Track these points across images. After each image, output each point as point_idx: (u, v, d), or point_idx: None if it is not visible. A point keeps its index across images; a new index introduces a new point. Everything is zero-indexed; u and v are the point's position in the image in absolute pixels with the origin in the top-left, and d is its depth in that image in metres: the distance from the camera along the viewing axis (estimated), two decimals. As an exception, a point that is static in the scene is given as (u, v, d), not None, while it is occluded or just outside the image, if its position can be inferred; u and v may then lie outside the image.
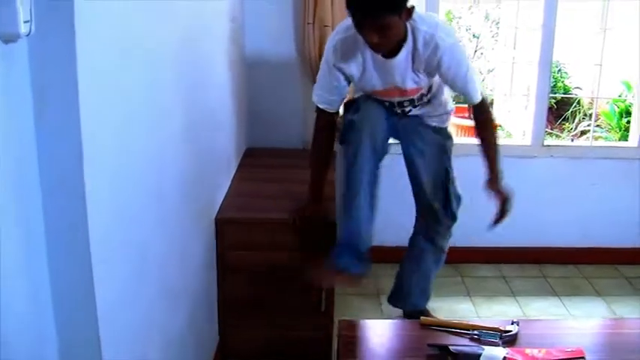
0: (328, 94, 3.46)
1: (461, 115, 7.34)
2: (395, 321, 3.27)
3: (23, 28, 1.44)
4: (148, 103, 2.23)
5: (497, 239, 4.82)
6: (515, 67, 6.11)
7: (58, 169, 1.64)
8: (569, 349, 2.63)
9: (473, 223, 4.82)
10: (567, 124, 8.28)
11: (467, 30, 7.87)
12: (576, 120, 8.13)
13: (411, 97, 3.50)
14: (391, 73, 3.31)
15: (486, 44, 7.80)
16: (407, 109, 3.61)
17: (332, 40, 3.34)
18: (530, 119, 4.98)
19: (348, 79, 3.39)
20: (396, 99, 3.50)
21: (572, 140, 6.96)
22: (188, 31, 2.89)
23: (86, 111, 1.63)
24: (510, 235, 4.89)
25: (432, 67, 3.30)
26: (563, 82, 8.80)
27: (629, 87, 7.36)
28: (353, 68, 3.31)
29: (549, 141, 5.27)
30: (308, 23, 4.44)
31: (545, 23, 4.79)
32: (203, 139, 3.23)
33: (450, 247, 4.77)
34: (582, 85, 8.86)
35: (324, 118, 3.57)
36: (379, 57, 3.24)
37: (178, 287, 2.76)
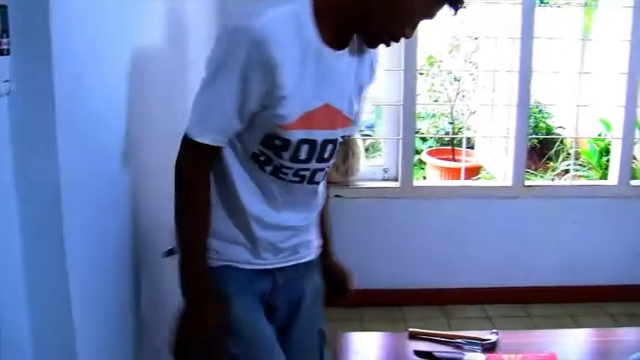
0: (224, 118, 1.98)
1: (444, 157, 7.45)
2: (380, 333, 3.35)
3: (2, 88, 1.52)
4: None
5: (482, 280, 4.91)
6: (494, 109, 6.18)
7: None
8: (543, 354, 2.81)
9: (458, 264, 4.92)
10: (552, 163, 8.35)
11: (448, 74, 7.95)
12: (560, 159, 8.19)
13: (333, 147, 2.17)
14: (329, 80, 2.05)
15: (467, 87, 7.88)
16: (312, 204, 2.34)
17: (253, 26, 1.88)
18: (511, 160, 5.05)
19: (263, 99, 1.96)
20: (316, 155, 2.12)
21: (553, 180, 7.01)
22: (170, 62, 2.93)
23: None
24: (495, 275, 4.97)
25: (365, 83, 2.26)
26: (545, 122, 8.88)
27: (607, 125, 7.44)
28: (290, 72, 1.92)
29: (530, 181, 5.35)
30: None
31: (522, 65, 4.89)
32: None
33: (436, 289, 4.85)
34: (565, 124, 8.95)
35: (206, 159, 2.07)
36: (326, 52, 2.01)
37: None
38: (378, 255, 4.91)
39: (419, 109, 8.63)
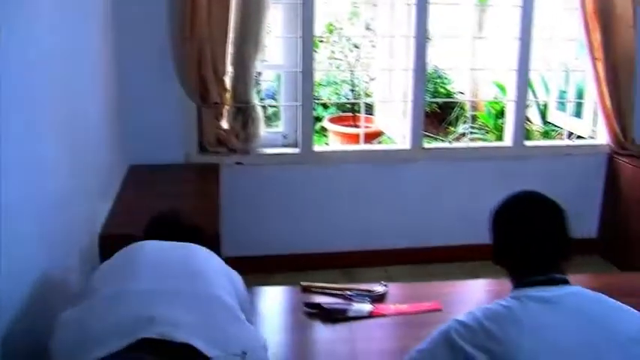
0: None
1: (346, 123, 7.53)
2: (273, 287, 3.37)
3: None
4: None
5: (384, 242, 5.00)
6: (393, 75, 6.25)
7: None
8: (428, 303, 2.96)
9: (360, 227, 4.99)
10: (452, 127, 8.50)
11: (347, 40, 8.02)
12: (459, 123, 8.36)
13: None
14: None
15: (366, 54, 7.97)
16: None
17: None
18: (409, 124, 5.14)
19: None
20: None
21: (451, 143, 7.14)
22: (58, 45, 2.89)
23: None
24: (397, 236, 5.06)
25: None
26: (444, 87, 9.03)
27: (502, 89, 7.61)
28: None
29: (429, 144, 5.44)
30: (184, 38, 4.49)
31: (418, 30, 4.98)
32: (80, 155, 3.23)
33: (339, 252, 4.92)
34: (464, 89, 9.11)
35: None
36: None
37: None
38: (280, 221, 4.96)
39: (320, 76, 8.71)
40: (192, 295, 2.16)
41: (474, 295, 3.25)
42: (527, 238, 2.10)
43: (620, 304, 1.97)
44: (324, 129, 8.20)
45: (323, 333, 2.82)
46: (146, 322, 1.96)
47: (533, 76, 7.47)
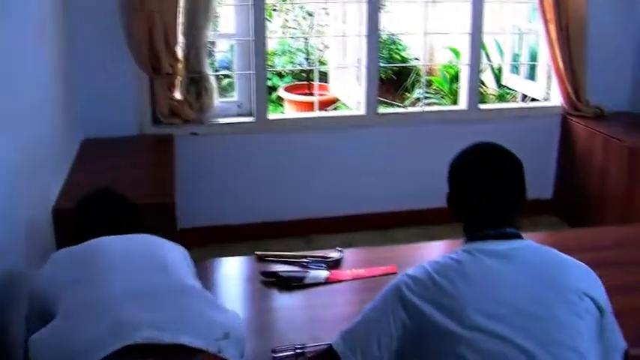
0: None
1: (302, 92, 7.50)
2: (229, 258, 3.34)
3: None
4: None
5: (342, 208, 5.01)
6: (347, 41, 6.24)
7: None
8: (384, 267, 2.99)
9: (317, 194, 4.99)
10: (408, 94, 8.51)
11: (301, 8, 7.98)
12: (415, 89, 8.37)
13: None
14: None
15: (320, 21, 7.94)
16: None
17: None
18: (363, 90, 5.13)
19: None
20: None
21: (406, 108, 7.12)
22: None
23: None
24: (355, 202, 5.08)
25: None
26: (399, 53, 9.03)
27: (456, 53, 7.62)
28: None
29: (383, 110, 5.44)
30: (135, 9, 4.43)
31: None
32: (26, 129, 3.17)
33: (298, 220, 4.92)
34: (420, 56, 9.11)
35: None
36: None
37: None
38: (237, 190, 4.94)
39: (274, 45, 8.66)
40: (168, 290, 2.15)
41: (429, 257, 3.15)
42: (480, 189, 2.06)
43: (570, 258, 1.99)
44: (280, 98, 8.17)
45: (280, 301, 2.84)
46: (130, 327, 1.94)
47: (487, 40, 7.50)
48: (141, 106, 4.70)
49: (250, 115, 5.02)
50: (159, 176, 3.99)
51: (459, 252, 1.98)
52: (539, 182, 5.47)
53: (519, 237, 2.02)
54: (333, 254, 3.09)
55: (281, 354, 2.34)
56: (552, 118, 5.59)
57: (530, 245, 2.00)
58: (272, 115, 5.23)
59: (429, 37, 5.40)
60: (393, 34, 8.59)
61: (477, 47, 5.29)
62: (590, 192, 5.14)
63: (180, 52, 4.66)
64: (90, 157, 4.28)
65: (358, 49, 5.27)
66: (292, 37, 8.48)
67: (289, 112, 7.68)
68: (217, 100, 4.87)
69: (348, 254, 3.13)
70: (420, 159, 5.17)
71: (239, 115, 5.07)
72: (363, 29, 5.04)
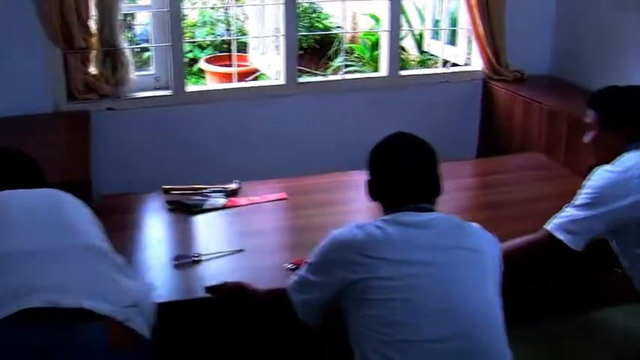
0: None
1: (224, 63, 7.39)
2: (141, 194, 3.64)
3: None
4: None
5: (265, 177, 4.92)
6: (265, 11, 6.17)
7: None
8: (275, 194, 3.52)
9: (239, 164, 4.91)
10: (332, 62, 8.46)
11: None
12: (337, 57, 8.32)
13: None
14: None
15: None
16: None
17: None
18: (282, 59, 5.07)
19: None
20: None
21: (325, 76, 7.02)
22: None
23: None
24: (277, 171, 5.00)
25: None
26: (322, 22, 8.95)
27: (377, 20, 7.60)
28: None
29: (303, 79, 5.38)
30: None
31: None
32: None
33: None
34: (342, 23, 9.07)
35: None
36: None
37: None
38: (157, 164, 4.84)
39: (195, 16, 8.53)
40: (71, 249, 2.07)
41: (315, 186, 3.68)
42: (398, 179, 2.30)
43: (475, 226, 2.31)
44: (202, 70, 8.05)
45: (184, 223, 3.27)
46: (28, 290, 1.86)
47: (408, 6, 7.50)
48: (55, 83, 4.56)
49: (168, 88, 4.92)
50: (74, 153, 3.91)
51: (378, 221, 2.20)
52: (463, 144, 5.53)
53: (432, 210, 2.28)
54: (232, 185, 3.55)
55: (180, 260, 2.85)
56: (473, 82, 5.62)
57: (441, 215, 2.27)
58: (190, 88, 5.11)
59: (351, 4, 5.34)
60: (313, 2, 8.51)
61: (396, 13, 5.26)
62: (512, 154, 5.16)
63: (93, 25, 4.53)
64: (2, 136, 4.14)
65: (276, 18, 5.19)
66: (212, 8, 8.36)
67: (211, 84, 7.57)
68: (134, 74, 4.76)
69: (246, 186, 3.59)
70: (341, 126, 5.14)
71: (157, 88, 4.96)
72: (281, -3, 4.96)
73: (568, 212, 2.70)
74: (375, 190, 2.37)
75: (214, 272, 2.82)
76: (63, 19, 4.39)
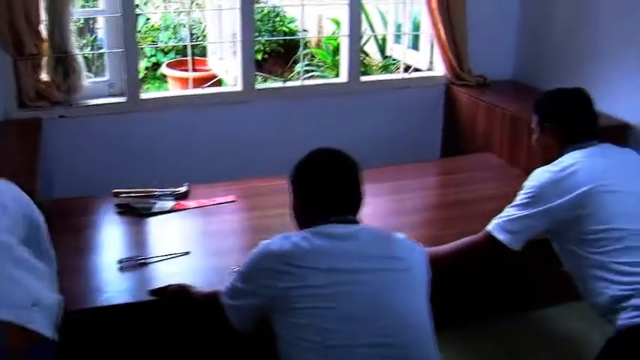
0: None
1: (186, 68, 7.24)
2: (91, 198, 3.73)
3: None
4: None
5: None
6: (223, 14, 6.07)
7: None
8: (224, 197, 3.67)
9: (194, 172, 4.81)
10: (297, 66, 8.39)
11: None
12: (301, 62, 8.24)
13: None
14: None
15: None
16: None
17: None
18: (239, 65, 4.97)
19: None
20: None
21: (284, 82, 6.85)
22: None
23: None
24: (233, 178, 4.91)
25: None
26: (287, 26, 8.87)
27: (339, 24, 7.53)
28: None
29: (261, 85, 5.28)
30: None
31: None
32: None
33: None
34: (308, 27, 9.00)
35: None
36: None
37: None
38: (111, 173, 4.69)
39: (157, 20, 8.42)
40: None
41: (264, 189, 3.77)
42: (322, 193, 2.35)
43: (401, 236, 2.37)
44: (165, 75, 7.94)
45: (132, 225, 3.39)
46: None
47: (371, 10, 7.44)
48: (5, 90, 4.42)
49: (122, 95, 4.78)
50: (21, 162, 3.78)
51: (303, 234, 2.25)
52: (426, 150, 5.49)
53: (357, 222, 2.36)
54: (181, 188, 3.70)
55: (126, 263, 2.96)
56: (436, 87, 5.57)
57: (365, 227, 2.35)
58: (145, 95, 4.98)
59: (317, 8, 5.26)
60: (276, 6, 8.44)
61: (355, 18, 5.18)
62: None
63: (44, 30, 4.40)
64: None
65: (233, 22, 5.09)
66: (174, 12, 8.26)
67: (173, 89, 7.47)
68: (87, 81, 4.63)
69: (195, 189, 3.75)
70: (299, 133, 5.02)
71: (111, 95, 4.82)
72: (237, 1, 4.85)
73: (507, 212, 2.80)
74: (299, 207, 2.42)
75: (160, 275, 2.89)
76: (12, 25, 4.26)
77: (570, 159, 2.76)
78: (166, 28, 8.61)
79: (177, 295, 2.66)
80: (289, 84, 5.36)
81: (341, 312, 2.10)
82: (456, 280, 2.93)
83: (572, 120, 2.91)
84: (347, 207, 2.35)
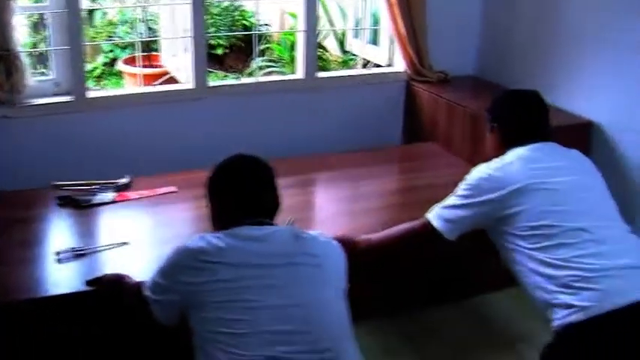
0: None
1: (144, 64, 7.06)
2: (32, 190, 3.71)
3: None
4: None
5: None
6: (177, 10, 5.89)
7: None
8: (165, 188, 3.69)
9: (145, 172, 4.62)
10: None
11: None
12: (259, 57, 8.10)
13: None
14: None
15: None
16: None
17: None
18: (191, 61, 4.79)
19: None
20: None
21: (238, 79, 6.64)
22: None
23: None
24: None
25: None
26: (248, 19, 8.71)
27: (296, 18, 7.38)
28: None
29: (215, 81, 5.10)
30: None
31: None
32: None
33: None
34: (268, 21, 8.85)
35: None
36: None
37: None
38: (57, 174, 4.47)
39: (113, 14, 8.23)
40: None
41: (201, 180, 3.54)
42: (239, 197, 2.43)
43: (314, 234, 2.44)
44: (121, 72, 7.74)
45: (73, 217, 3.38)
46: None
47: (330, 4, 7.30)
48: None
49: (69, 94, 4.59)
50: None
51: (219, 235, 2.31)
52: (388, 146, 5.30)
53: (272, 225, 2.43)
54: (122, 180, 3.71)
55: (63, 254, 2.95)
56: (396, 84, 5.45)
57: (279, 228, 2.42)
58: (92, 93, 4.77)
59: (277, 1, 5.09)
60: (234, 1, 8.27)
61: (312, 13, 5.02)
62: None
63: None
64: None
65: (185, 17, 4.91)
66: (122, 7, 8.07)
67: (128, 85, 7.28)
68: (31, 80, 4.43)
69: (137, 180, 3.76)
70: (255, 131, 4.86)
71: (56, 94, 4.60)
72: (189, -3, 4.66)
73: (446, 202, 2.92)
74: (215, 210, 2.51)
75: (98, 265, 2.92)
76: (-51, 24, 4.06)
77: (510, 156, 2.86)
78: (124, 22, 8.39)
79: (112, 284, 2.71)
80: (243, 80, 5.18)
81: (249, 303, 2.18)
82: (399, 269, 3.13)
83: (519, 122, 3.00)
84: (262, 210, 2.43)
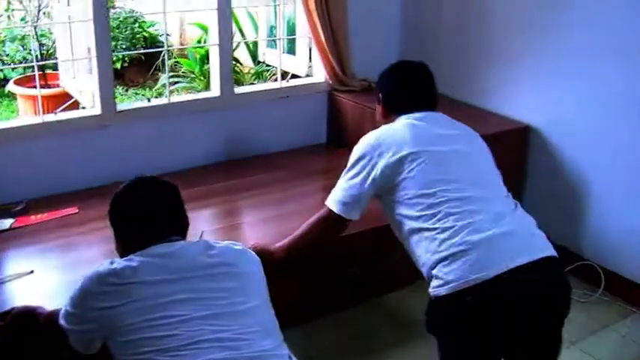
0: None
1: (31, 85, 6.51)
2: None
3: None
4: None
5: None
6: (74, 27, 5.39)
7: None
8: (66, 209, 3.66)
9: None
10: (161, 74, 7.80)
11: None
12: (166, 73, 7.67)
13: None
14: None
15: (49, 3, 6.96)
16: None
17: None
18: (96, 85, 4.27)
19: None
20: None
21: (150, 100, 6.05)
22: None
23: None
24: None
25: None
26: (148, 31, 8.26)
27: (205, 29, 7.02)
28: None
29: (124, 105, 4.58)
30: None
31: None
32: None
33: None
34: (170, 31, 8.48)
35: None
36: None
37: None
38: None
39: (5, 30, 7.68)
40: None
41: (107, 198, 3.03)
42: (142, 225, 2.38)
43: (225, 245, 2.43)
44: (13, 93, 7.14)
45: None
46: None
47: (239, 13, 6.95)
48: None
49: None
50: None
51: (129, 256, 2.28)
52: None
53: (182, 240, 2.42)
54: (18, 206, 3.65)
55: None
56: (318, 95, 5.17)
57: (188, 243, 2.41)
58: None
59: (178, 12, 4.67)
60: (133, 11, 7.82)
61: (226, 26, 4.61)
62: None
63: None
64: None
65: (86, 35, 4.41)
66: (23, 21, 7.52)
67: (23, 108, 6.70)
68: None
69: (34, 203, 3.70)
70: (173, 155, 4.47)
71: None
72: (90, 12, 4.12)
73: (338, 185, 2.93)
74: (121, 239, 2.45)
75: (4, 298, 2.85)
76: None
77: (397, 123, 2.89)
78: (12, 39, 7.79)
79: (21, 318, 2.64)
80: (155, 102, 4.67)
81: (174, 318, 2.14)
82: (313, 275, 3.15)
83: (403, 90, 3.04)
84: (169, 230, 2.39)
